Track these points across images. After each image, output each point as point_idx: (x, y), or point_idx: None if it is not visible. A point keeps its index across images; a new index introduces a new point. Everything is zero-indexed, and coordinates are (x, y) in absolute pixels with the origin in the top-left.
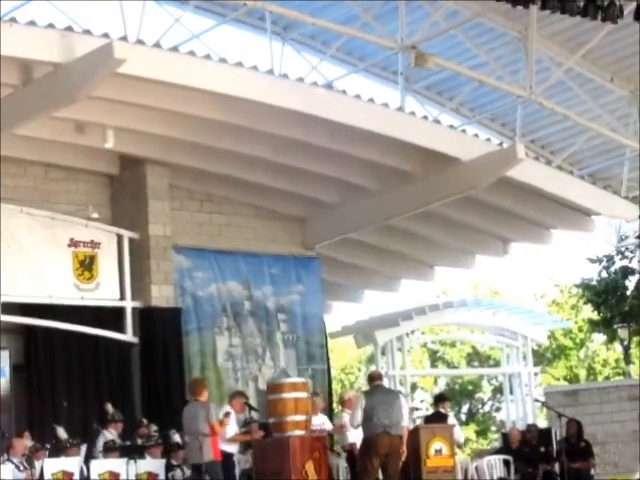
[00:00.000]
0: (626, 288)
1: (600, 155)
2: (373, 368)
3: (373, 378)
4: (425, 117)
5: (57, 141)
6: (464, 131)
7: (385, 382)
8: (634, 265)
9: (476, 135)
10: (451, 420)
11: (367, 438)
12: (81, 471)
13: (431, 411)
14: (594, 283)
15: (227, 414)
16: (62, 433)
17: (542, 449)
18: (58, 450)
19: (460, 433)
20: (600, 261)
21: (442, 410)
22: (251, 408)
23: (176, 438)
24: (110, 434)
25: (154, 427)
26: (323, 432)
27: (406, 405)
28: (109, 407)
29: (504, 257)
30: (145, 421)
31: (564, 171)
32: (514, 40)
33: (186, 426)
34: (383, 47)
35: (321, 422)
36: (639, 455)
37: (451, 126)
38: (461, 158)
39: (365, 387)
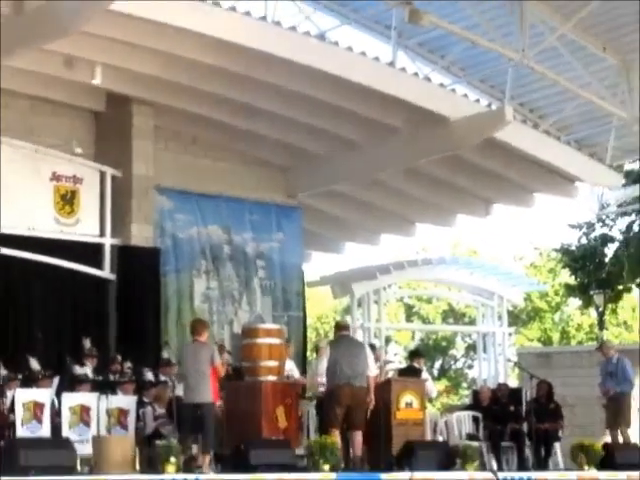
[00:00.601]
0: (604, 255)
1: (587, 122)
2: (349, 319)
3: (339, 328)
4: (416, 74)
5: (44, 74)
6: (454, 90)
7: (359, 334)
8: (614, 233)
9: (465, 95)
10: (424, 375)
11: (330, 389)
12: (52, 403)
13: (404, 365)
14: (573, 248)
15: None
16: (35, 364)
17: (512, 408)
18: (30, 381)
19: (432, 387)
20: (580, 227)
21: (416, 365)
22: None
23: (149, 376)
24: (81, 369)
25: (128, 364)
26: (292, 379)
27: (371, 355)
28: (87, 342)
29: (486, 218)
30: (119, 357)
31: (551, 136)
32: (508, 3)
33: (186, 365)
34: (378, 0)
35: (289, 368)
36: (605, 420)
37: (441, 85)
38: (449, 117)
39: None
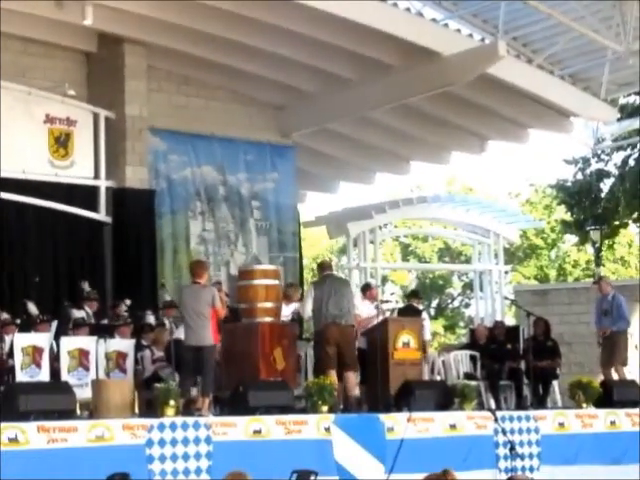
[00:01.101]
0: (600, 191)
1: (581, 56)
2: (345, 259)
3: (323, 267)
4: (408, 9)
5: (35, 15)
6: (446, 26)
7: (355, 274)
8: (609, 168)
9: (458, 30)
10: (423, 316)
11: (318, 329)
12: (51, 347)
13: (401, 304)
14: (569, 184)
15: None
16: (33, 308)
17: (509, 346)
18: (28, 325)
19: (428, 329)
20: (576, 163)
21: (415, 304)
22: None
23: (150, 319)
24: (79, 312)
25: (124, 307)
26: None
27: (358, 293)
28: (85, 285)
29: (480, 154)
30: (129, 302)
31: (545, 70)
32: None
33: (187, 308)
34: None
35: (287, 314)
36: (600, 358)
37: (434, 20)
38: (442, 53)
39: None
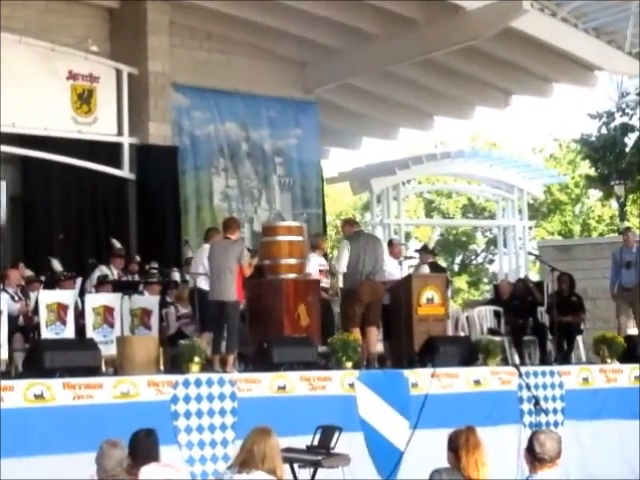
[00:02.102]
0: (625, 145)
1: (606, 9)
2: (368, 215)
3: (352, 224)
4: None
5: None
6: None
7: (379, 230)
8: (634, 122)
9: None
10: None
11: (350, 287)
12: (75, 304)
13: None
14: (593, 139)
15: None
16: (57, 265)
17: (530, 298)
18: (53, 282)
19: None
20: (600, 117)
21: (431, 260)
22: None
23: (176, 276)
24: (106, 269)
25: (155, 264)
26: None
27: (387, 249)
28: (115, 242)
29: (505, 109)
30: (138, 257)
31: (569, 24)
32: None
33: (215, 262)
34: None
35: (321, 263)
36: (616, 309)
37: None
38: (466, 7)
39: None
